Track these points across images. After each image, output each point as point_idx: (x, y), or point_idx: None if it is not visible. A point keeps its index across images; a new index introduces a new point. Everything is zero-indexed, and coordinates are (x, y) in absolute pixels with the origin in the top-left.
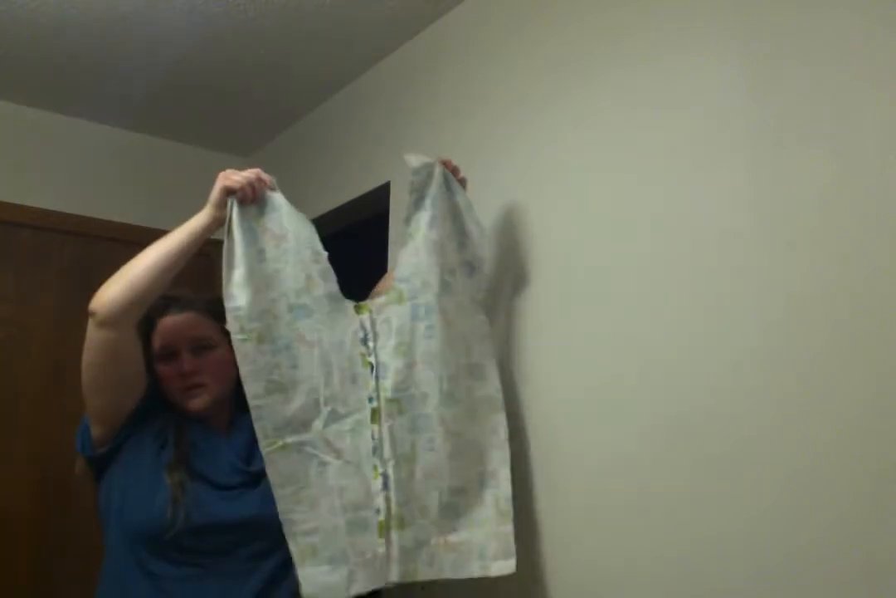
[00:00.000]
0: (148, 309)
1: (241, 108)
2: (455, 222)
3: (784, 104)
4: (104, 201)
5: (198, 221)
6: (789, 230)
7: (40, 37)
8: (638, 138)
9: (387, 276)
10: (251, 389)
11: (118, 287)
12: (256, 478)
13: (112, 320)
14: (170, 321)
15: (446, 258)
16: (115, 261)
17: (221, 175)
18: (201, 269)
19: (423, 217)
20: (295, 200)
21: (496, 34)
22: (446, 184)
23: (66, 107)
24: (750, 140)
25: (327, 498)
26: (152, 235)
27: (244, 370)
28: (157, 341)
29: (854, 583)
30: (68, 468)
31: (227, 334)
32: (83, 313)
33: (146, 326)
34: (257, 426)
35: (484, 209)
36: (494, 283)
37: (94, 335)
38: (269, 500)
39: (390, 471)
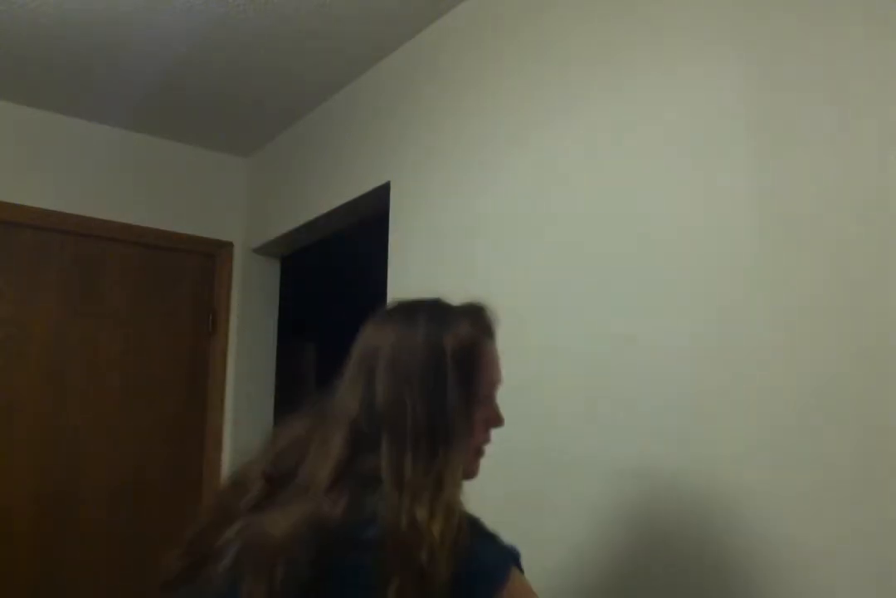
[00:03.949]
0: (479, 320)
1: (241, 108)
2: None
3: (784, 104)
4: (104, 201)
5: None
6: (789, 230)
7: (40, 37)
8: (639, 139)
9: None
10: None
11: None
12: None
13: None
14: (497, 351)
15: None
16: (114, 261)
17: None
18: (202, 269)
19: None
20: (295, 201)
21: (497, 34)
22: None
23: (66, 107)
24: (750, 140)
25: None
26: (152, 235)
27: None
28: (491, 372)
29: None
30: (68, 469)
31: None
32: (83, 313)
33: (476, 341)
34: None
35: (483, 211)
36: (495, 284)
37: None
38: None
39: None
